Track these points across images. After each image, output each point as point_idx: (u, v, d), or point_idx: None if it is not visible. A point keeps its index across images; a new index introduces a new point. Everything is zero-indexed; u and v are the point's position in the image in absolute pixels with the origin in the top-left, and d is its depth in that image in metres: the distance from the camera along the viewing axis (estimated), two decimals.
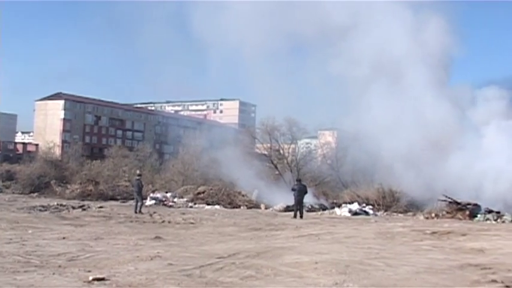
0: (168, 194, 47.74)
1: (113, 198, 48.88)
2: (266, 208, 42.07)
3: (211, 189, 47.47)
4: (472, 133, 40.16)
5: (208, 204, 43.94)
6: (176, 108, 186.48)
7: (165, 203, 44.18)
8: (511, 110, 40.36)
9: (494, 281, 11.76)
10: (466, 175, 37.70)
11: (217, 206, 43.06)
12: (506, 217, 34.23)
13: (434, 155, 40.83)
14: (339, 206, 41.21)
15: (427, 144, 41.53)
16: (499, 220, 33.83)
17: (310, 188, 41.83)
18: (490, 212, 35.10)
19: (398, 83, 43.10)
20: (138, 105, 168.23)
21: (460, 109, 41.99)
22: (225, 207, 42.98)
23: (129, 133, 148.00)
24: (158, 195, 46.81)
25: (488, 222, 33.22)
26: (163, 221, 28.01)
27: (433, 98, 41.62)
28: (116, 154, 76.80)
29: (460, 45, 46.18)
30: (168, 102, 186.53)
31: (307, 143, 71.44)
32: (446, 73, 45.62)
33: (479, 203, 35.95)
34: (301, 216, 32.91)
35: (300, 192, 34.08)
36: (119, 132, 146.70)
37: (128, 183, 51.91)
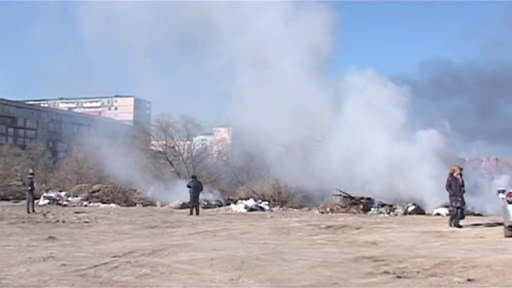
0: (62, 193, 46.94)
1: (4, 199, 47.61)
2: (162, 205, 41.87)
3: (106, 187, 46.92)
4: (347, 119, 41.27)
5: (103, 203, 43.44)
6: (70, 105, 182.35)
7: (59, 202, 43.45)
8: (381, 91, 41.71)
9: (386, 272, 12.00)
10: (344, 160, 38.80)
11: (112, 205, 42.63)
12: (399, 210, 35.16)
13: (314, 145, 41.98)
14: (235, 202, 41.37)
15: (308, 136, 42.64)
16: (391, 213, 34.75)
17: (206, 184, 41.85)
18: (383, 205, 36.04)
19: (278, 77, 43.93)
20: (31, 102, 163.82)
21: (338, 98, 43.05)
22: (121, 205, 42.61)
23: (21, 131, 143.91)
24: (52, 194, 45.97)
25: (381, 215, 34.07)
26: (57, 221, 27.43)
27: (312, 90, 42.58)
28: (7, 153, 74.99)
29: (339, 41, 47.42)
30: (61, 99, 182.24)
31: (202, 140, 71.33)
32: (325, 66, 46.72)
33: (371, 196, 36.91)
34: (197, 213, 32.87)
35: (196, 189, 34.03)
36: (11, 130, 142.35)
37: (20, 183, 50.59)
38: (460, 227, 22.72)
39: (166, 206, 41.32)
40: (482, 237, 19.90)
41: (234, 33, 46.25)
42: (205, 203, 40.48)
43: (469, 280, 11.25)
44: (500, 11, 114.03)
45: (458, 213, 23.26)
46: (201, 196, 36.14)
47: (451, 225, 23.00)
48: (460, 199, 23.22)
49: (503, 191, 20.59)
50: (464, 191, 23.80)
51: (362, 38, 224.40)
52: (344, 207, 36.49)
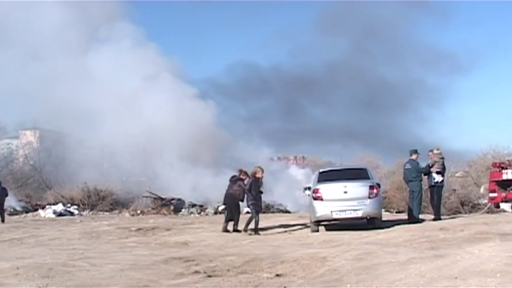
0: None
1: None
2: None
3: None
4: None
5: None
6: None
7: None
8: None
9: (197, 272, 12.09)
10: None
11: None
12: (209, 210, 35.57)
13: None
14: (43, 207, 40.28)
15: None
16: (202, 213, 35.10)
17: (12, 190, 40.43)
18: (193, 205, 36.35)
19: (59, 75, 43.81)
20: None
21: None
22: None
23: None
24: None
25: (192, 215, 34.33)
26: None
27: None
28: None
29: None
30: None
31: (7, 144, 68.82)
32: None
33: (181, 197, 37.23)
34: (2, 221, 31.69)
35: (0, 195, 32.80)
36: None
37: None
38: (259, 233, 20.70)
39: None
40: (290, 233, 20.49)
41: (15, 28, 45.43)
42: (12, 210, 39.18)
43: (277, 275, 11.58)
44: (308, 16, 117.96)
45: (257, 218, 21.06)
46: (7, 203, 34.89)
47: (245, 230, 21.00)
48: (260, 203, 21.72)
49: (309, 188, 21.11)
50: (262, 192, 21.93)
51: (162, 38, 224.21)
52: (155, 208, 36.54)
